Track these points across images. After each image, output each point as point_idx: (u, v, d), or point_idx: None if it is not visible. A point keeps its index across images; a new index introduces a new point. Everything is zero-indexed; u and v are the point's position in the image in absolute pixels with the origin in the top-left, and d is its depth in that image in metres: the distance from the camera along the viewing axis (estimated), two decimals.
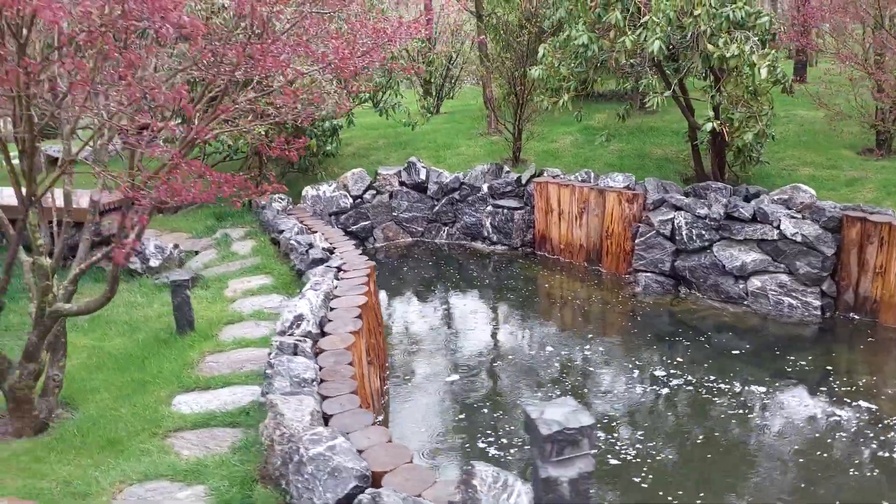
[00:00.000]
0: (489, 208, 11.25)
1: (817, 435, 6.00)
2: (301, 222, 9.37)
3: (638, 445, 5.83)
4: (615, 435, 6.01)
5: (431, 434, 6.20)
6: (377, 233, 11.70)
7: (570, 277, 10.03)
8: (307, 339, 5.64)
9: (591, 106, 13.82)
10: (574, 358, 7.56)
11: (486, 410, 6.55)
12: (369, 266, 7.46)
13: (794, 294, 8.22)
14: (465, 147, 13.48)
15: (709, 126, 8.46)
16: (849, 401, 6.47)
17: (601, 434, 6.01)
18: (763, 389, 6.71)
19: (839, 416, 6.23)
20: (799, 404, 6.48)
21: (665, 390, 6.75)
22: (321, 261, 7.68)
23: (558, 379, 7.10)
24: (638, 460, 5.65)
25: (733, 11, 8.34)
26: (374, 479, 3.94)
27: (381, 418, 6.37)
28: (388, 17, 10.73)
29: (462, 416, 6.47)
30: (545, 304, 9.25)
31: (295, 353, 5.36)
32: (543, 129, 13.07)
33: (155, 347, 6.66)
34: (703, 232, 8.75)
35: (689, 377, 6.96)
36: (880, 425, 6.06)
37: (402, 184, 11.82)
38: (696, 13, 8.18)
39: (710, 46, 8.36)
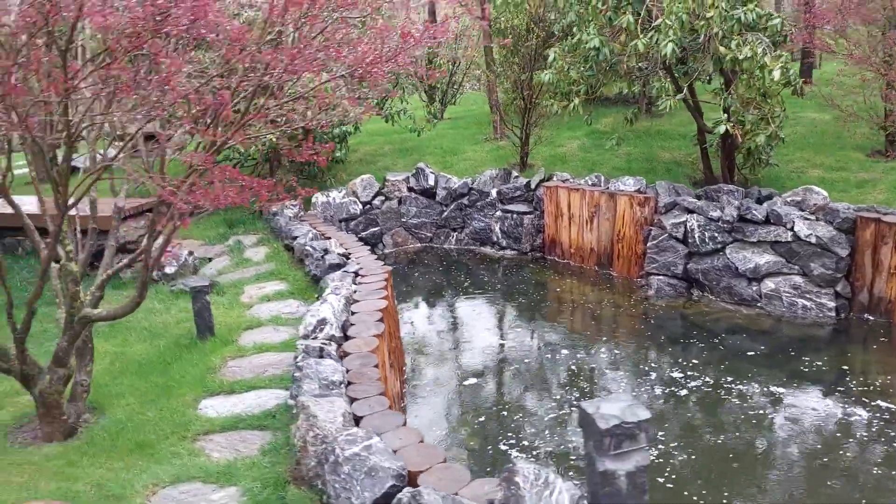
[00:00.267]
0: (498, 213, 11.30)
1: (838, 434, 6.03)
2: (314, 228, 9.41)
3: (660, 446, 5.86)
4: None
5: (452, 437, 6.23)
6: (386, 238, 11.74)
7: (581, 281, 10.08)
8: (331, 343, 5.69)
9: (597, 110, 13.87)
10: (590, 361, 7.60)
11: (504, 413, 6.58)
12: (386, 271, 7.51)
13: (808, 295, 8.27)
14: (471, 152, 13.55)
15: (722, 128, 8.53)
16: (867, 401, 6.50)
17: None
18: (781, 390, 6.75)
19: (859, 415, 6.27)
20: (817, 405, 6.52)
21: (683, 391, 6.79)
22: (338, 266, 7.72)
23: (575, 382, 7.14)
24: (661, 460, 5.68)
25: (745, 14, 8.41)
26: (410, 479, 3.98)
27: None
28: (414, 21, 10.84)
29: (482, 419, 6.50)
30: (558, 308, 9.29)
31: (321, 356, 5.40)
32: (550, 134, 13.13)
33: (176, 353, 6.69)
34: (716, 234, 8.80)
35: (707, 378, 7.00)
36: None
37: (410, 189, 11.87)
38: (708, 16, 8.25)
39: (721, 49, 8.43)
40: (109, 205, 8.31)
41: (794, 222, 8.30)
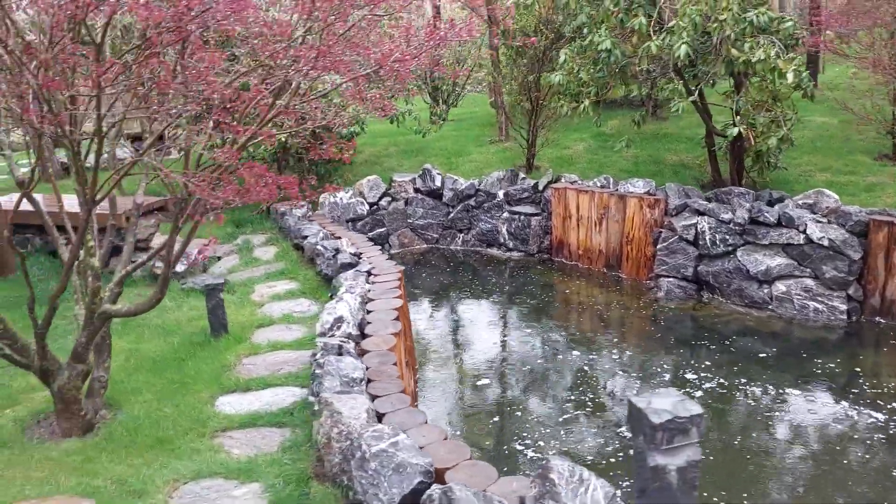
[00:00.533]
0: (505, 215, 11.30)
1: (855, 437, 6.03)
2: (324, 228, 9.40)
3: None
4: None
5: (467, 436, 6.21)
6: (393, 239, 11.74)
7: (589, 283, 10.08)
8: (349, 341, 5.67)
9: (603, 112, 13.90)
10: (601, 362, 7.59)
11: (518, 413, 6.57)
12: (399, 270, 7.50)
13: (819, 298, 8.28)
14: (476, 154, 13.55)
15: (735, 130, 8.54)
16: (881, 403, 6.51)
17: None
18: (796, 392, 6.75)
19: (874, 418, 6.27)
20: (832, 408, 6.52)
21: (698, 393, 6.79)
22: (350, 265, 7.70)
23: (587, 383, 7.13)
24: None
25: (757, 16, 8.43)
26: (437, 476, 3.97)
27: None
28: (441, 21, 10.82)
29: (495, 419, 6.49)
30: (568, 310, 9.28)
31: (340, 354, 5.39)
32: (556, 136, 13.14)
33: (190, 350, 6.68)
34: (727, 237, 8.81)
35: (721, 380, 7.00)
36: None
37: (417, 190, 11.87)
38: (721, 18, 8.27)
39: (734, 51, 8.45)
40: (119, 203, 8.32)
41: (806, 225, 8.32)
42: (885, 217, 8.03)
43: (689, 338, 8.12)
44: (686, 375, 7.14)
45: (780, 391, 6.78)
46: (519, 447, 5.97)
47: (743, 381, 7.00)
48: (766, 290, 8.63)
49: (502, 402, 6.83)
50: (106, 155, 6.83)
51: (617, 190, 10.22)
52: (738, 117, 8.91)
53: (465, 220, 11.68)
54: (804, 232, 8.35)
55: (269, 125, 4.98)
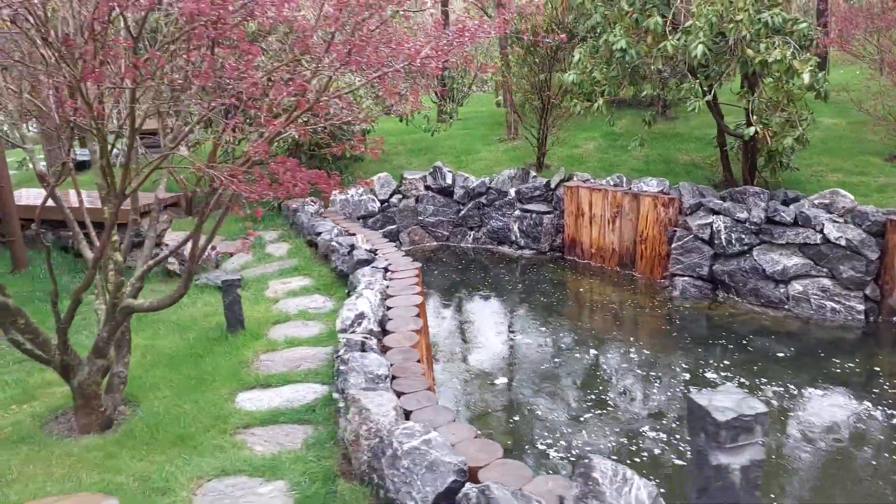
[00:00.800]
0: (517, 212, 11.25)
1: (881, 437, 5.99)
2: (337, 224, 9.34)
3: None
4: (677, 436, 5.99)
5: (486, 436, 6.16)
6: (403, 237, 11.68)
7: (603, 282, 10.03)
8: (371, 337, 5.62)
9: (614, 112, 13.89)
10: (620, 361, 7.55)
11: (537, 412, 6.52)
12: (416, 267, 7.45)
13: (836, 298, 8.24)
14: (485, 152, 13.52)
15: (751, 130, 8.50)
16: None
17: (663, 435, 6.00)
18: (818, 392, 6.71)
19: None
20: (853, 407, 6.48)
21: None
22: (366, 262, 7.65)
23: (606, 382, 7.08)
24: None
25: (771, 17, 8.39)
26: (470, 474, 3.91)
27: None
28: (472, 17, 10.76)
29: (516, 419, 6.44)
30: (582, 308, 9.24)
31: (363, 350, 5.33)
32: (567, 135, 13.11)
33: (207, 346, 6.62)
34: (743, 236, 8.76)
35: (742, 380, 6.96)
36: None
37: (427, 188, 11.82)
38: (738, 18, 8.23)
39: (749, 51, 8.41)
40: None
41: (823, 225, 8.28)
42: None
43: (706, 337, 8.08)
44: (706, 375, 7.09)
45: (802, 391, 6.73)
46: (541, 446, 5.92)
47: (763, 380, 6.96)
48: (782, 290, 8.59)
49: (519, 400, 6.77)
50: (117, 150, 6.78)
51: (630, 189, 10.18)
52: (755, 117, 8.86)
53: (476, 218, 11.63)
54: (821, 232, 8.31)
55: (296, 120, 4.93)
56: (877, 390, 6.76)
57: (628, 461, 5.67)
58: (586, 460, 3.24)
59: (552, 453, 5.81)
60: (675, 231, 9.37)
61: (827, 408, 6.47)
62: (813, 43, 9.02)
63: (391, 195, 11.65)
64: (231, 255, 9.41)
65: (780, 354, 7.57)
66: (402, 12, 5.28)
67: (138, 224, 6.67)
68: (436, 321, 8.79)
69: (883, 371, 7.19)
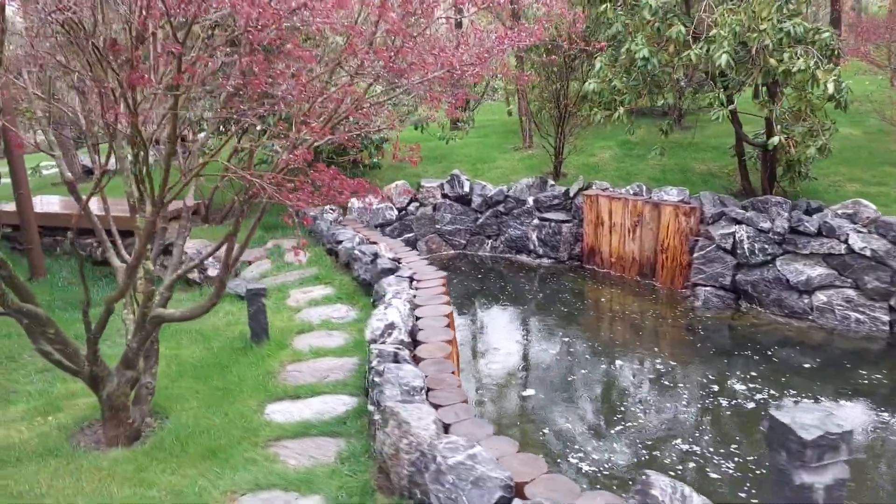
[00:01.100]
0: (535, 221, 11.19)
1: None
2: (358, 233, 9.28)
3: (736, 458, 5.72)
4: (711, 449, 5.90)
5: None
6: (420, 245, 11.62)
7: (623, 291, 9.95)
8: (403, 348, 5.54)
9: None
10: (646, 371, 7.46)
11: (568, 424, 6.43)
12: (442, 276, 7.38)
13: (861, 309, 8.15)
14: (501, 161, 13.48)
15: (776, 140, 8.44)
16: None
17: (696, 448, 5.91)
18: (849, 405, 6.62)
19: None
20: (886, 418, 6.39)
21: (751, 405, 6.64)
22: (390, 270, 7.58)
23: (635, 395, 6.99)
24: (739, 474, 5.53)
25: (794, 27, 8.34)
26: (517, 490, 3.83)
27: None
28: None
29: (545, 431, 6.34)
30: (604, 318, 9.15)
31: (396, 361, 5.25)
32: (583, 144, 13.06)
33: (232, 356, 6.56)
34: (766, 246, 8.69)
35: (772, 391, 6.86)
36: None
37: (445, 196, 11.76)
38: (762, 28, 8.19)
39: (772, 61, 8.36)
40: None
41: (847, 235, 8.20)
42: None
43: (731, 347, 7.99)
44: (735, 386, 7.00)
45: (834, 402, 6.64)
46: (573, 459, 5.82)
47: (792, 392, 6.86)
48: (806, 300, 8.50)
49: (544, 413, 6.68)
50: (121, 157, 6.71)
51: (651, 198, 10.11)
52: (778, 127, 8.79)
53: (494, 227, 11.57)
54: (846, 242, 8.23)
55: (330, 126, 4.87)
56: None
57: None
58: (644, 477, 3.16)
59: (584, 467, 5.72)
60: (697, 240, 9.29)
61: (859, 420, 6.37)
62: (835, 53, 8.96)
63: (408, 203, 11.59)
64: (250, 263, 9.35)
65: (806, 365, 7.48)
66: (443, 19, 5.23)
67: (167, 231, 6.60)
68: (459, 330, 8.70)
69: None
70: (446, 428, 4.51)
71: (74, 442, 5.22)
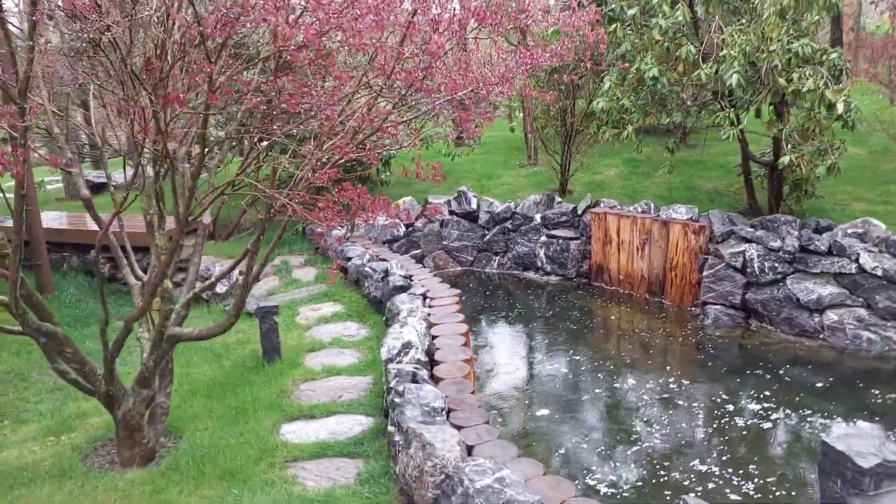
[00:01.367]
0: (543, 238, 11.17)
1: None
2: (367, 249, 9.25)
3: (756, 479, 5.67)
4: (729, 469, 5.85)
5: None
6: (427, 261, 11.59)
7: (632, 309, 9.92)
8: (420, 368, 5.49)
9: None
10: (658, 390, 7.41)
11: (585, 446, 6.37)
12: (455, 294, 7.34)
13: (872, 328, 8.13)
14: (507, 177, 13.49)
15: (786, 159, 8.46)
16: None
17: (714, 468, 5.86)
18: (866, 425, 6.57)
19: None
20: None
21: (767, 424, 6.60)
22: (402, 288, 7.54)
23: (649, 414, 6.94)
24: (759, 495, 5.48)
25: (802, 48, 8.39)
26: None
27: None
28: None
29: (560, 450, 6.29)
30: (614, 336, 9.11)
31: (414, 381, 5.21)
32: (589, 161, 13.08)
33: (244, 374, 6.50)
34: (776, 264, 8.68)
35: (787, 410, 6.83)
36: None
37: (452, 213, 11.75)
38: (771, 48, 8.23)
39: (781, 81, 8.40)
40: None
41: (858, 254, 8.20)
42: None
43: (742, 367, 7.95)
44: (749, 405, 6.96)
45: (850, 422, 6.59)
46: (591, 481, 5.77)
47: (807, 412, 6.82)
48: (816, 319, 8.48)
49: (556, 431, 6.62)
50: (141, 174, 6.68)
51: (659, 216, 10.10)
52: (788, 146, 8.82)
53: (501, 243, 11.55)
54: (856, 261, 8.22)
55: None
56: None
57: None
58: (679, 501, 3.11)
59: (603, 489, 5.66)
60: (707, 259, 9.28)
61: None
62: (843, 72, 9.00)
63: (416, 219, 11.56)
64: (258, 279, 9.30)
65: (818, 385, 7.45)
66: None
67: (182, 248, 6.57)
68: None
69: None
70: (469, 450, 4.46)
71: (88, 462, 5.16)
